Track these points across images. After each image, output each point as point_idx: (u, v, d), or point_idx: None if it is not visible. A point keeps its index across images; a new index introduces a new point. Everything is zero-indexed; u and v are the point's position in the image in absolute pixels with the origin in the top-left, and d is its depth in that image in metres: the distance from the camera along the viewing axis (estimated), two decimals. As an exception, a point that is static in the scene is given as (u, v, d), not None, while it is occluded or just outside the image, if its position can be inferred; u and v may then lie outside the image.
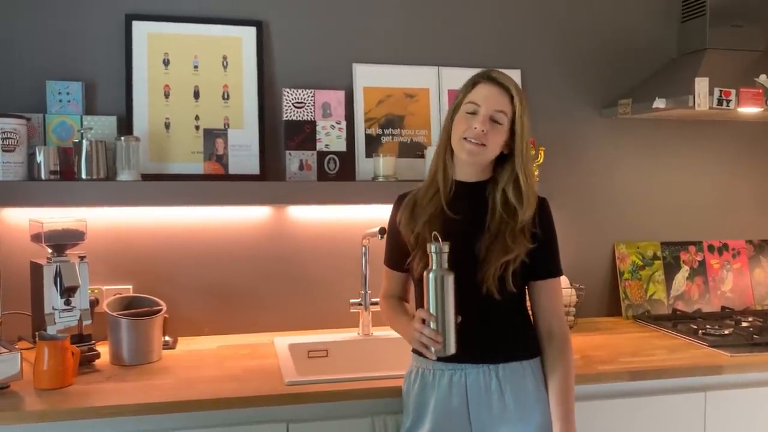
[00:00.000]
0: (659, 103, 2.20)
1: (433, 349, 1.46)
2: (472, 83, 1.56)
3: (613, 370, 1.87)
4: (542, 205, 1.60)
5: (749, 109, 2.19)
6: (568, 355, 1.57)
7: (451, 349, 1.46)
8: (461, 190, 1.59)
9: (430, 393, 1.55)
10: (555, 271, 1.61)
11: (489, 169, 1.59)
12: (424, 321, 1.46)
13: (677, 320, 2.39)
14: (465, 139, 1.52)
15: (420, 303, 1.61)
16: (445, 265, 1.45)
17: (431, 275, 1.46)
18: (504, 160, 1.57)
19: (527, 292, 1.63)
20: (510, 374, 1.54)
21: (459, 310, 1.46)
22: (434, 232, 1.47)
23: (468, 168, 1.58)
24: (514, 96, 1.52)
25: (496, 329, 1.54)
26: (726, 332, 2.19)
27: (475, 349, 1.52)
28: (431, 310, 1.46)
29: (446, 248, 1.45)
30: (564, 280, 1.93)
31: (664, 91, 2.23)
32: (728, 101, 2.13)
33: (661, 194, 2.60)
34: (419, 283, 1.57)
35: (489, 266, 1.50)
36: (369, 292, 2.18)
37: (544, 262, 1.58)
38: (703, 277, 2.59)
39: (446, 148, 1.59)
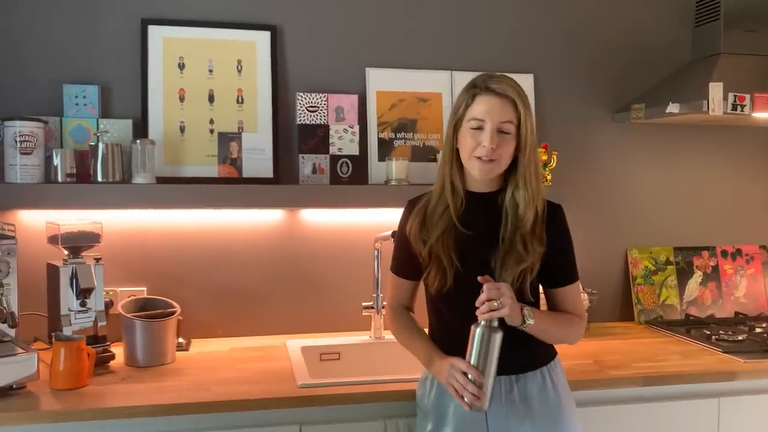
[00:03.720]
0: (673, 108, 2.20)
1: (467, 401, 1.44)
2: (471, 96, 1.51)
3: (626, 376, 1.86)
4: (556, 212, 1.57)
5: (764, 114, 2.18)
6: (578, 321, 1.59)
7: (486, 405, 1.44)
8: (473, 202, 1.56)
9: (448, 400, 1.53)
10: (572, 279, 1.60)
11: (501, 177, 1.55)
12: (465, 372, 1.43)
13: (690, 326, 2.38)
14: (476, 158, 1.48)
15: (435, 316, 1.61)
16: (495, 323, 1.42)
17: (478, 330, 1.43)
18: (513, 165, 1.53)
19: (546, 299, 1.62)
20: (530, 383, 1.54)
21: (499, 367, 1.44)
22: (484, 277, 1.45)
23: (479, 181, 1.55)
24: (517, 102, 1.47)
25: (515, 340, 1.48)
26: (740, 338, 2.18)
27: (503, 361, 1.48)
28: (472, 363, 1.43)
29: None
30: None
31: (678, 96, 2.23)
32: (743, 106, 2.13)
33: (674, 199, 2.59)
34: (435, 299, 1.57)
35: (506, 278, 1.48)
36: (381, 295, 2.19)
37: (561, 270, 1.57)
38: (716, 283, 2.58)
39: (452, 162, 1.55)
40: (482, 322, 1.42)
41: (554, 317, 1.57)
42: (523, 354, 1.54)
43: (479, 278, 1.43)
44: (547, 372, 1.56)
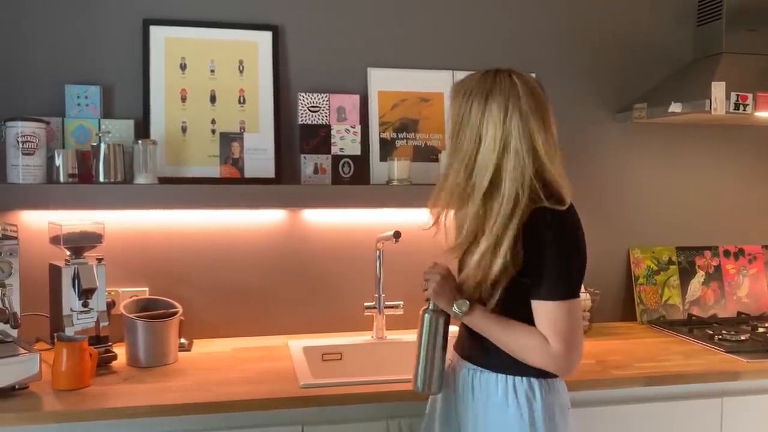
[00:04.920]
0: (675, 108, 2.19)
1: (418, 384, 1.49)
2: None
3: (629, 376, 1.86)
4: (536, 217, 1.38)
5: (766, 114, 2.17)
6: (535, 338, 1.37)
7: (435, 388, 1.50)
8: None
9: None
10: (542, 294, 1.38)
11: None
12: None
13: (693, 326, 2.37)
14: None
15: None
16: (439, 306, 1.48)
17: (426, 315, 1.48)
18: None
19: None
20: (484, 383, 1.46)
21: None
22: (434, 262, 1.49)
23: None
24: (454, 98, 1.48)
25: (474, 332, 1.46)
26: (742, 338, 2.17)
27: (459, 345, 1.53)
28: (422, 348, 1.48)
29: None
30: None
31: (680, 96, 2.22)
32: (745, 105, 2.12)
33: (676, 199, 2.58)
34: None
35: (468, 273, 1.43)
36: (383, 295, 2.19)
37: (533, 280, 1.38)
38: (718, 282, 2.57)
39: None
40: (429, 306, 1.48)
41: (497, 320, 1.41)
42: (480, 348, 1.47)
43: (434, 261, 1.50)
44: (503, 382, 1.43)
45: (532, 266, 1.38)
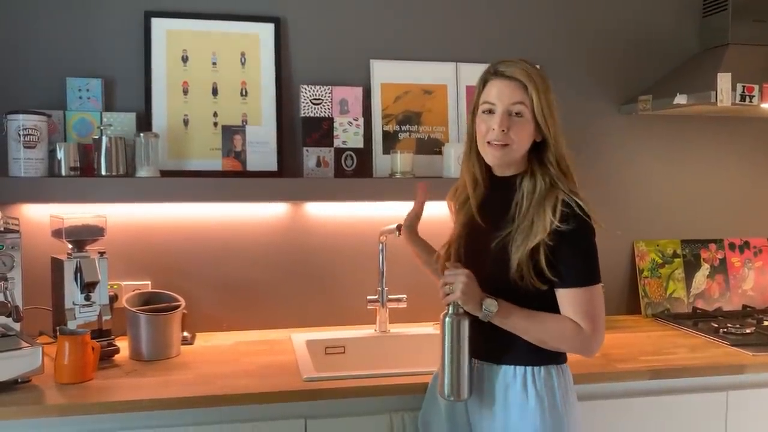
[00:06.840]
0: (680, 99, 2.17)
1: (446, 391, 1.46)
2: (483, 81, 1.51)
3: (634, 369, 1.85)
4: (568, 220, 1.44)
5: (772, 105, 2.16)
6: (566, 325, 1.42)
7: (465, 393, 1.46)
8: (494, 185, 1.55)
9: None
10: (568, 282, 1.44)
11: (523, 161, 1.51)
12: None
13: (698, 319, 2.36)
14: (488, 143, 1.47)
15: None
16: (461, 310, 1.44)
17: (447, 319, 1.45)
18: (540, 148, 1.50)
19: None
20: (501, 377, 1.49)
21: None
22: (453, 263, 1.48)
23: (497, 167, 1.53)
24: (527, 85, 1.44)
25: (493, 327, 1.45)
26: (748, 331, 2.16)
27: (476, 343, 1.48)
28: (446, 355, 1.45)
29: None
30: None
31: (686, 87, 2.20)
32: (751, 97, 2.10)
33: (681, 191, 2.57)
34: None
35: (491, 268, 1.46)
36: (386, 288, 2.18)
37: (558, 269, 1.44)
38: (723, 275, 2.56)
39: (470, 151, 1.55)
40: (449, 310, 1.45)
41: (527, 313, 1.44)
42: (499, 344, 1.48)
43: (447, 263, 1.48)
44: (521, 374, 1.47)
45: (559, 248, 1.43)
